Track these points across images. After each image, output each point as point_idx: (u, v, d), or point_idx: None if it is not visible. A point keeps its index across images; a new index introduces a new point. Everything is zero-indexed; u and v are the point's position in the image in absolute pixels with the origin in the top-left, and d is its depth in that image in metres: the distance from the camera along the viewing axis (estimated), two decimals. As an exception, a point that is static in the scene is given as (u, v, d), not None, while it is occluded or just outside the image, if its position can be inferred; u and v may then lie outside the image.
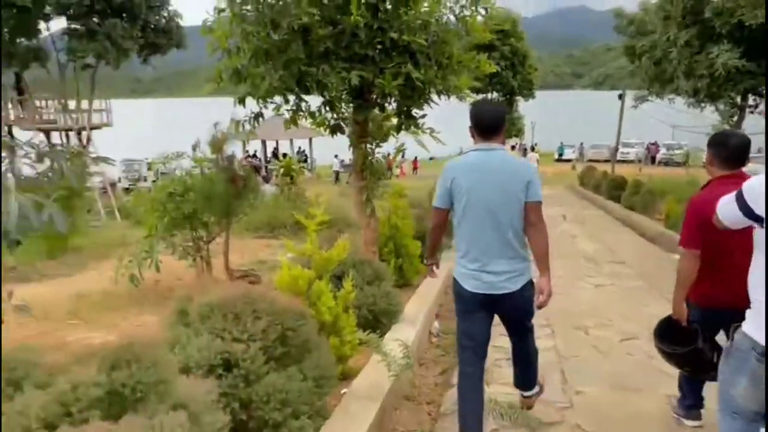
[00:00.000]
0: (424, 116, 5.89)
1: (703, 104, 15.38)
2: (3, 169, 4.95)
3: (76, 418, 1.92)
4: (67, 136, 21.48)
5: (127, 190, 26.24)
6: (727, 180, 3.18)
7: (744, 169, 3.32)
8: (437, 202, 3.31)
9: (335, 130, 6.04)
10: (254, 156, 32.08)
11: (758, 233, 2.33)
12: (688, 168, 29.49)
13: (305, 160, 31.55)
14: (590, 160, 40.61)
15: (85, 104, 21.85)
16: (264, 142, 33.92)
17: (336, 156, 32.92)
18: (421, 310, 5.49)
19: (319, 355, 3.42)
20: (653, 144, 43.69)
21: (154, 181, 26.61)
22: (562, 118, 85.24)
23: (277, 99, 5.83)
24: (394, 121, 6.06)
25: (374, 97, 5.74)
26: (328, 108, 5.85)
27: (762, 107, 14.76)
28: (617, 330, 5.85)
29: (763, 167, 2.86)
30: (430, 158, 36.05)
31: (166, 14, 22.24)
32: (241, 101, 5.71)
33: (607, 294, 7.44)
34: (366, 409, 3.39)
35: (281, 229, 12.17)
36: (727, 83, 12.85)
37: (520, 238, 3.22)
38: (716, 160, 3.34)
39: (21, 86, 21.52)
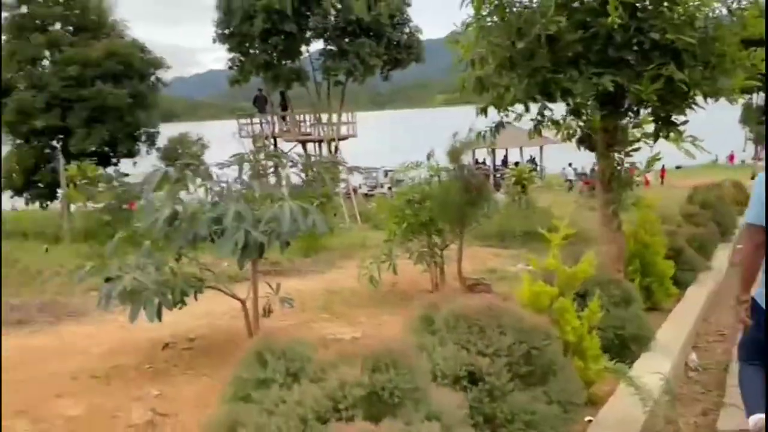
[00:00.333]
0: (685, 122, 5.29)
1: None
2: (273, 178, 5.67)
3: (343, 414, 2.05)
4: (320, 146, 24.01)
5: (366, 195, 28.37)
6: None
7: None
8: (755, 219, 2.88)
9: (582, 141, 5.75)
10: (483, 164, 32.32)
11: None
12: None
13: (535, 169, 30.83)
14: None
15: (335, 117, 24.22)
16: (493, 150, 33.99)
17: (570, 164, 31.64)
18: (676, 338, 4.93)
19: (565, 377, 3.24)
20: None
21: (390, 188, 28.39)
22: None
23: (519, 108, 5.75)
24: (648, 128, 5.55)
25: (626, 102, 5.33)
26: (573, 116, 5.58)
27: None
28: None
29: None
30: (677, 167, 32.61)
31: (407, 30, 23.59)
32: (483, 111, 5.73)
33: None
34: (616, 444, 3.12)
35: (511, 239, 12.00)
36: None
37: None
38: None
39: (284, 103, 24.67)
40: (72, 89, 17.67)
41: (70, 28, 18.95)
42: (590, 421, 3.42)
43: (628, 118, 5.63)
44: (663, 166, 34.50)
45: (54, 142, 18.44)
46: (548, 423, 2.85)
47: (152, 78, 20.19)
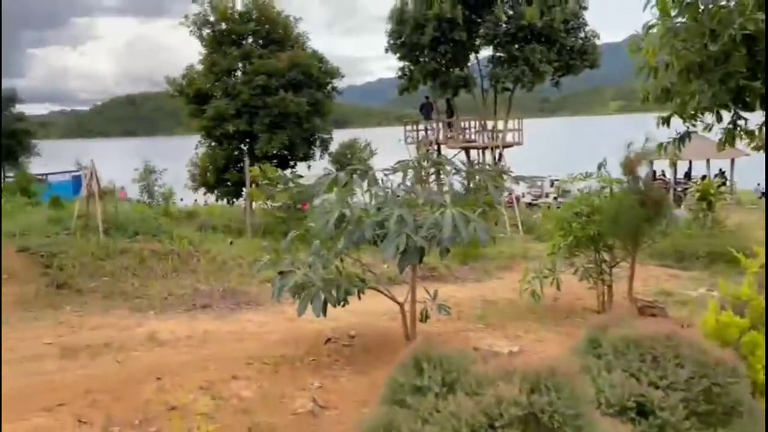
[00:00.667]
0: None
1: None
2: (439, 185, 5.71)
3: (498, 432, 1.99)
4: (484, 153, 23.83)
5: (529, 205, 27.58)
6: None
7: None
8: None
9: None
10: (663, 176, 29.84)
11: None
12: None
13: (724, 183, 27.77)
14: None
15: (500, 124, 23.89)
16: (675, 162, 31.18)
17: (768, 179, 28.00)
18: None
19: (752, 421, 2.86)
20: None
21: (555, 198, 27.31)
22: None
23: (708, 118, 5.21)
24: None
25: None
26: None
27: None
28: None
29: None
30: None
31: (582, 35, 22.54)
32: (665, 121, 5.28)
33: None
34: None
35: (691, 260, 10.91)
36: None
37: None
38: None
39: (450, 110, 24.87)
40: (259, 97, 19.43)
41: (260, 41, 20.84)
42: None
43: None
44: None
45: (242, 146, 20.41)
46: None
47: (328, 87, 21.49)
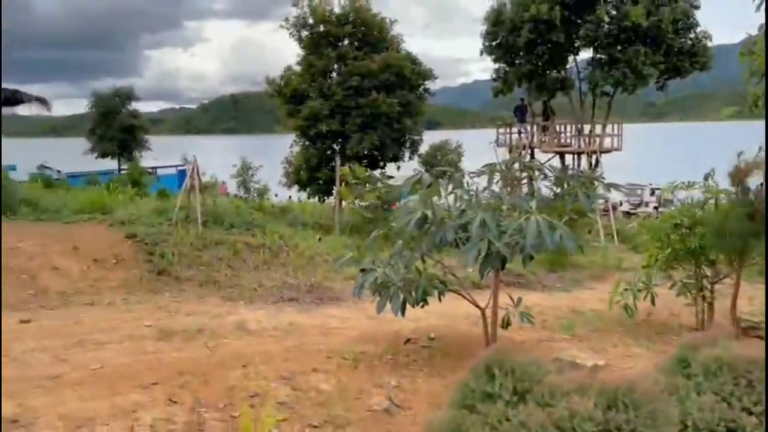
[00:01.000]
0: None
1: None
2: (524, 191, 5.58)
3: (569, 446, 1.92)
4: (579, 158, 22.99)
5: (627, 213, 26.34)
6: None
7: None
8: None
9: None
10: (777, 188, 27.50)
11: None
12: None
13: None
14: None
15: (598, 129, 22.95)
16: (793, 173, 28.66)
17: None
18: None
19: None
20: None
21: (655, 207, 25.88)
22: None
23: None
24: None
25: None
26: None
27: None
28: None
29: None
30: None
31: (693, 36, 21.21)
32: (780, 128, 4.87)
33: None
34: None
35: (808, 280, 9.98)
36: None
37: None
38: None
39: (546, 113, 24.18)
40: (351, 98, 19.81)
41: (356, 43, 21.21)
42: None
43: None
44: None
45: (334, 145, 20.87)
46: None
47: (420, 88, 21.53)
